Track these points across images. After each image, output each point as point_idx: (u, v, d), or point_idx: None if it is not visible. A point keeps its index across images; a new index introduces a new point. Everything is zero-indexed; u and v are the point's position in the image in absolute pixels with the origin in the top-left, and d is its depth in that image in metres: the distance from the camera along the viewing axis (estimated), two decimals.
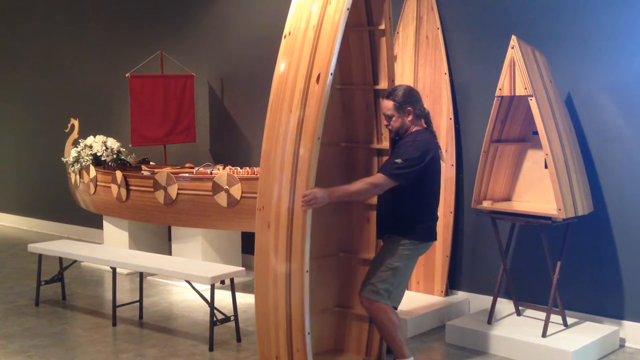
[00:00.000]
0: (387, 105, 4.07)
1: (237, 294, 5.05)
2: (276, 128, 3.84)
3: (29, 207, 9.78)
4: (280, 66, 3.89)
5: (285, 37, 3.94)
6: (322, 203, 3.77)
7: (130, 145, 7.14)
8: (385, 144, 4.28)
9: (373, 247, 4.35)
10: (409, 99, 4.05)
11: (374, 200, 4.28)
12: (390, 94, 4.09)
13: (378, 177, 3.92)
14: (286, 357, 3.80)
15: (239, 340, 4.92)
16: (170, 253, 6.85)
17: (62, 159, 7.61)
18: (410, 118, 4.06)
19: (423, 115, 4.14)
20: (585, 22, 4.84)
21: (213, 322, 4.79)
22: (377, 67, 4.27)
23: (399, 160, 3.91)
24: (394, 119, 4.07)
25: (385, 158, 4.24)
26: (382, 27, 4.18)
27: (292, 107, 3.77)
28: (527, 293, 5.12)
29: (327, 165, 4.22)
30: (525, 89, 4.44)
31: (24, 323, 5.39)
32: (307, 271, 3.70)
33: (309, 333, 3.75)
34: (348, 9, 3.75)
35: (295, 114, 3.76)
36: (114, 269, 5.40)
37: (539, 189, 4.84)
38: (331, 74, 3.70)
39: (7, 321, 5.44)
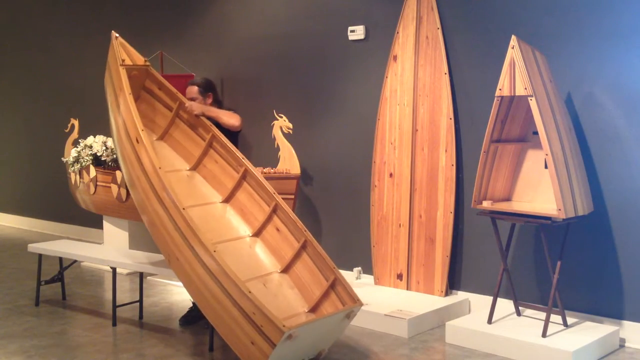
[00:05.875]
0: (193, 90, 5.46)
1: None
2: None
3: (29, 207, 9.78)
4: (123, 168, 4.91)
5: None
6: (197, 112, 5.26)
7: None
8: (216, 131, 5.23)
9: (295, 245, 4.69)
10: (210, 87, 5.53)
11: (271, 206, 4.87)
12: (193, 82, 5.51)
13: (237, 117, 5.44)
14: (254, 332, 3.91)
15: None
16: None
17: (62, 159, 7.61)
18: (210, 102, 5.48)
19: (220, 103, 5.65)
20: (585, 22, 4.84)
21: None
22: (167, 89, 5.40)
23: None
24: (197, 100, 5.41)
25: (227, 142, 5.24)
26: (143, 61, 5.32)
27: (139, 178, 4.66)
28: (527, 293, 5.12)
29: (209, 180, 5.22)
30: (525, 89, 4.44)
31: (24, 323, 5.39)
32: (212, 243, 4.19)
33: (250, 292, 3.93)
34: (123, 63, 5.04)
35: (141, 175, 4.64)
36: (114, 269, 5.40)
37: (539, 189, 4.84)
38: (142, 130, 4.63)
39: (7, 321, 5.44)
